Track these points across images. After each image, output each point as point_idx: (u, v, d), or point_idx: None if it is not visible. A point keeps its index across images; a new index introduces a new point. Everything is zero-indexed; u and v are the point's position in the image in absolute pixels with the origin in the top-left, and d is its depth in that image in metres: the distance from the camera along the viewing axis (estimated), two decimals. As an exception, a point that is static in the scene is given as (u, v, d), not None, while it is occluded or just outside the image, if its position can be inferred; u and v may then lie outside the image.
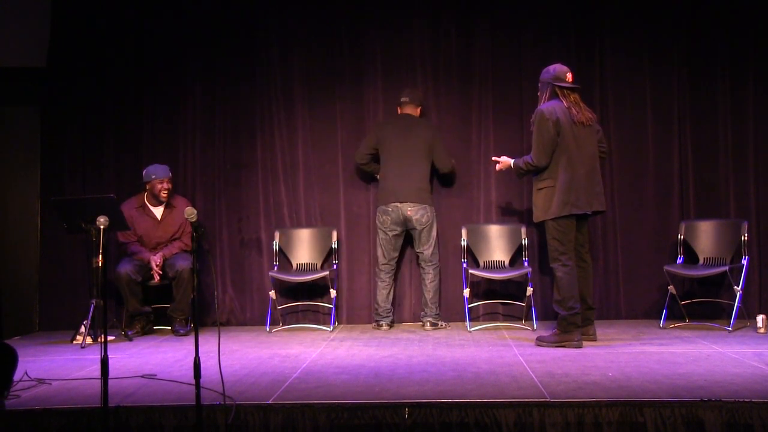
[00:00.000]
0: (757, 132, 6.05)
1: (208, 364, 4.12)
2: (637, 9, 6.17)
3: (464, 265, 5.97)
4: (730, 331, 5.32)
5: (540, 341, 4.97)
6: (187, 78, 6.39)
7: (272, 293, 5.97)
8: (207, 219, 6.27)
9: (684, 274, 5.68)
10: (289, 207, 6.35)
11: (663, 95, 6.15)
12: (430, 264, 5.90)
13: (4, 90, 6.34)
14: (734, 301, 5.39)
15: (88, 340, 5.38)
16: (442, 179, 6.19)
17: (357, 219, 6.30)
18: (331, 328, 5.99)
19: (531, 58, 6.08)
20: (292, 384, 3.95)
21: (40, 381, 4.11)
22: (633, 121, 6.16)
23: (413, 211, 5.79)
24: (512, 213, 6.23)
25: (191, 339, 3.42)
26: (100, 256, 3.96)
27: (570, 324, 4.84)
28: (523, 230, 6.03)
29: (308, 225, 6.33)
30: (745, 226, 5.65)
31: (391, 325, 5.95)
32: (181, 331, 5.74)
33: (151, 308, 5.91)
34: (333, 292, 6.02)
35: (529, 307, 5.91)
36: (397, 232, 5.88)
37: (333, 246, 6.20)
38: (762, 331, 5.28)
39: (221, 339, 4.54)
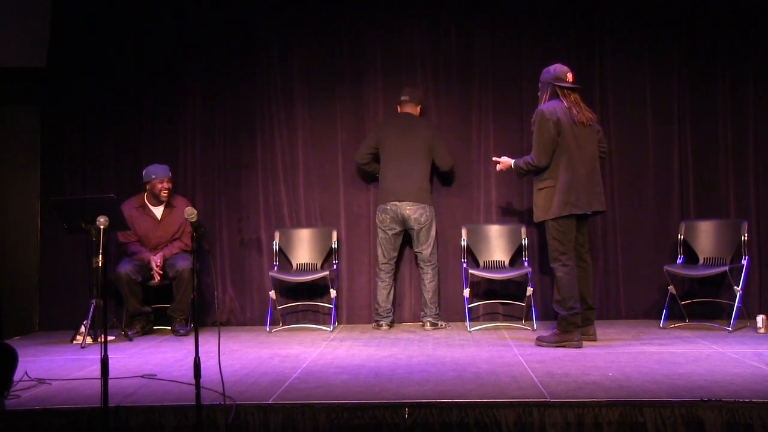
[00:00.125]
0: (757, 132, 6.05)
1: (208, 364, 4.12)
2: (637, 9, 6.17)
3: (464, 265, 5.97)
4: (730, 331, 5.32)
5: (540, 341, 4.97)
6: (187, 78, 6.39)
7: (272, 293, 5.97)
8: (207, 219, 6.27)
9: (684, 274, 5.68)
10: (289, 207, 6.36)
11: (663, 95, 6.15)
12: (428, 264, 5.90)
13: (4, 90, 6.34)
14: (734, 301, 5.39)
15: (88, 340, 5.38)
16: (442, 178, 6.19)
17: (357, 219, 6.30)
18: (331, 328, 5.99)
19: (531, 58, 6.08)
20: (292, 384, 3.95)
21: (40, 381, 4.11)
22: (633, 121, 6.16)
23: (412, 210, 5.79)
24: (512, 213, 6.23)
25: (191, 339, 3.42)
26: (100, 256, 3.97)
27: (570, 324, 4.84)
28: (523, 230, 6.03)
29: (308, 225, 6.33)
30: (745, 226, 5.65)
31: (391, 325, 5.95)
32: (181, 331, 5.74)
33: (151, 308, 5.91)
34: (333, 292, 6.02)
35: (529, 307, 5.91)
36: (396, 231, 5.88)
37: (333, 246, 6.20)
38: (762, 331, 5.28)
39: (221, 339, 4.55)
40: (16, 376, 3.84)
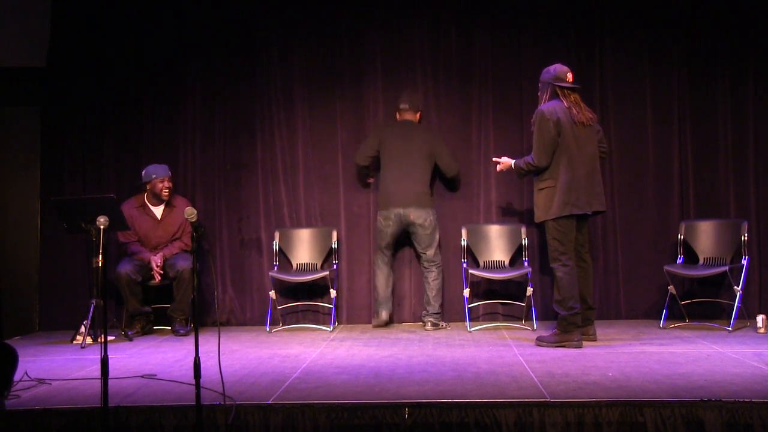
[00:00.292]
0: (757, 132, 6.05)
1: (208, 364, 4.12)
2: (637, 9, 6.17)
3: (464, 265, 5.97)
4: (730, 331, 5.32)
5: (540, 341, 4.97)
6: (187, 78, 6.39)
7: (272, 293, 5.97)
8: (207, 219, 6.27)
9: (684, 274, 5.68)
10: (289, 207, 6.36)
11: (663, 95, 6.15)
12: (433, 263, 5.90)
13: (4, 90, 6.34)
14: (734, 301, 5.39)
15: (88, 340, 5.38)
16: (445, 182, 6.19)
17: (357, 219, 6.30)
18: (331, 328, 5.99)
19: (531, 58, 6.08)
20: (292, 384, 3.95)
21: (40, 381, 4.11)
22: (633, 121, 6.16)
23: (416, 216, 5.80)
24: (512, 213, 6.23)
25: (191, 339, 3.42)
26: (100, 256, 3.97)
27: (570, 324, 4.84)
28: (523, 230, 6.03)
29: (308, 225, 6.33)
30: (745, 226, 5.65)
31: (390, 317, 5.93)
32: (181, 331, 5.74)
33: (151, 308, 5.91)
34: (333, 292, 6.02)
35: (529, 307, 5.91)
36: (395, 229, 5.87)
37: (333, 246, 6.20)
38: (762, 331, 5.28)
39: (221, 339, 4.54)
40: (16, 376, 3.84)
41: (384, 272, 5.95)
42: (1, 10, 6.18)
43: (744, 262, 5.55)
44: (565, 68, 4.96)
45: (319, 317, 6.25)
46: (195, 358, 3.31)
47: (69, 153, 6.36)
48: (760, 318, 5.34)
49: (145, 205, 5.92)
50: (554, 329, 4.99)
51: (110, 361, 3.44)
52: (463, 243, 6.05)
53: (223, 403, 3.47)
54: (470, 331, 5.67)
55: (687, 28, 6.14)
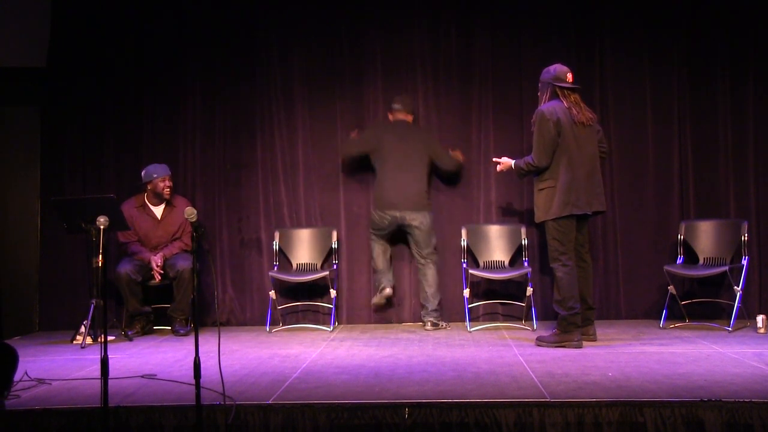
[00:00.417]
0: (757, 132, 6.05)
1: (208, 364, 4.12)
2: (637, 9, 6.17)
3: (464, 265, 5.97)
4: (730, 331, 5.32)
5: (540, 341, 4.97)
6: (187, 78, 6.39)
7: (272, 293, 5.97)
8: (207, 219, 6.27)
9: (684, 274, 5.68)
10: (289, 207, 6.36)
11: (663, 95, 6.15)
12: (429, 260, 5.90)
13: (4, 90, 6.34)
14: (734, 301, 5.39)
15: (88, 340, 5.38)
16: (445, 178, 6.18)
17: (357, 219, 6.30)
18: (331, 328, 5.99)
19: (531, 58, 6.08)
20: (292, 384, 3.95)
21: (40, 381, 4.11)
22: (633, 121, 6.16)
23: (412, 218, 5.80)
24: (512, 213, 6.23)
25: (191, 339, 3.42)
26: (100, 256, 3.97)
27: (570, 324, 4.84)
28: (523, 230, 6.03)
29: (308, 225, 6.33)
30: (745, 226, 5.65)
31: (392, 290, 5.95)
32: (181, 331, 5.74)
33: (151, 308, 5.91)
34: (333, 292, 6.02)
35: (529, 307, 5.91)
36: (390, 226, 5.88)
37: (333, 246, 6.20)
38: (762, 331, 5.28)
39: (221, 339, 4.55)
40: (16, 376, 3.84)
41: (380, 245, 5.96)
42: (1, 10, 6.18)
43: (744, 262, 5.55)
44: (565, 68, 4.96)
45: (319, 317, 6.25)
46: (195, 358, 3.31)
47: (69, 153, 6.37)
48: (760, 318, 5.34)
49: (145, 205, 5.92)
50: (554, 329, 4.99)
51: (110, 361, 3.44)
52: (463, 243, 6.05)
53: (223, 403, 3.47)
54: (470, 331, 5.67)
55: (687, 28, 6.14)
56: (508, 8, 6.26)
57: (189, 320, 5.83)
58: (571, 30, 6.21)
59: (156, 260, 5.73)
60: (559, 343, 4.84)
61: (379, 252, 5.97)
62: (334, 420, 3.41)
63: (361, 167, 6.15)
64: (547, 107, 4.87)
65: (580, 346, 4.79)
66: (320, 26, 6.35)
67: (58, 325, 6.12)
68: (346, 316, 6.28)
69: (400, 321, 6.21)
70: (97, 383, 3.48)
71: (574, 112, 4.86)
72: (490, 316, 6.17)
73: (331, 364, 4.47)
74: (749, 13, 6.06)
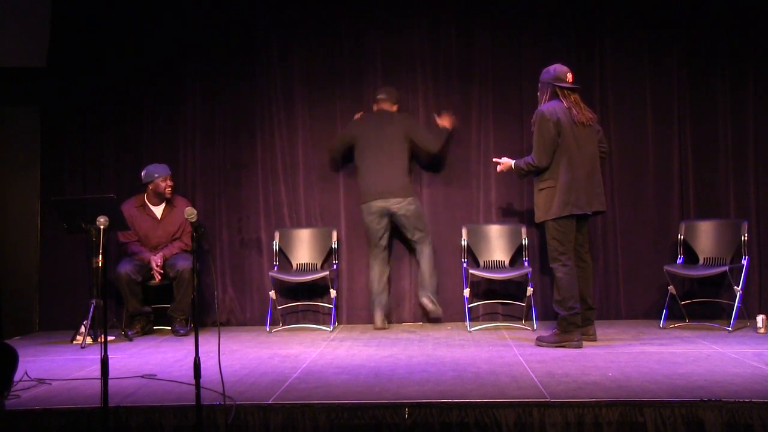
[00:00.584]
0: (757, 132, 6.05)
1: (208, 364, 4.12)
2: (637, 9, 6.17)
3: (464, 265, 5.97)
4: (730, 331, 5.32)
5: (540, 341, 4.97)
6: (187, 78, 6.39)
7: (272, 293, 5.97)
8: (207, 219, 6.27)
9: (684, 274, 5.68)
10: (289, 207, 6.36)
11: (663, 95, 6.15)
12: (423, 242, 5.90)
13: (4, 90, 6.34)
14: (734, 301, 5.39)
15: (88, 340, 5.38)
16: (434, 166, 6.16)
17: (357, 219, 6.28)
18: (331, 328, 5.99)
19: (531, 58, 6.08)
20: (292, 384, 3.95)
21: (40, 381, 4.11)
22: (633, 121, 6.16)
23: (398, 207, 5.80)
24: (512, 213, 6.23)
25: (191, 339, 3.42)
26: (100, 256, 3.97)
27: (570, 324, 4.84)
28: (523, 230, 6.03)
29: (308, 225, 6.33)
30: (745, 226, 5.65)
31: (387, 317, 5.91)
32: (181, 331, 5.74)
33: (151, 308, 5.91)
34: (333, 292, 6.02)
35: (529, 307, 5.91)
36: (384, 223, 5.87)
37: (333, 246, 6.20)
38: (762, 331, 5.28)
39: (221, 339, 4.55)
40: (16, 376, 3.84)
41: (379, 266, 5.94)
42: (1, 10, 6.18)
43: (744, 262, 5.55)
44: (565, 68, 4.96)
45: (319, 317, 6.25)
46: (195, 358, 3.31)
47: (69, 153, 6.37)
48: (760, 318, 5.34)
49: (145, 205, 5.92)
50: (554, 329, 4.99)
51: (110, 361, 3.44)
52: (463, 243, 6.05)
53: (223, 403, 3.47)
54: (470, 331, 5.67)
55: (687, 28, 6.14)
56: (508, 8, 6.26)
57: (189, 320, 5.83)
58: (571, 30, 6.21)
59: (156, 260, 5.73)
60: (559, 343, 4.84)
61: (376, 276, 5.92)
62: (334, 420, 3.41)
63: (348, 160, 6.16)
64: (547, 107, 4.87)
65: (580, 346, 4.79)
66: (320, 26, 6.35)
67: (58, 325, 6.12)
68: (346, 316, 6.28)
69: (400, 321, 6.21)
70: (97, 383, 3.48)
71: (574, 112, 4.87)
72: (490, 316, 6.17)
73: (331, 364, 4.47)
74: (749, 13, 6.06)
